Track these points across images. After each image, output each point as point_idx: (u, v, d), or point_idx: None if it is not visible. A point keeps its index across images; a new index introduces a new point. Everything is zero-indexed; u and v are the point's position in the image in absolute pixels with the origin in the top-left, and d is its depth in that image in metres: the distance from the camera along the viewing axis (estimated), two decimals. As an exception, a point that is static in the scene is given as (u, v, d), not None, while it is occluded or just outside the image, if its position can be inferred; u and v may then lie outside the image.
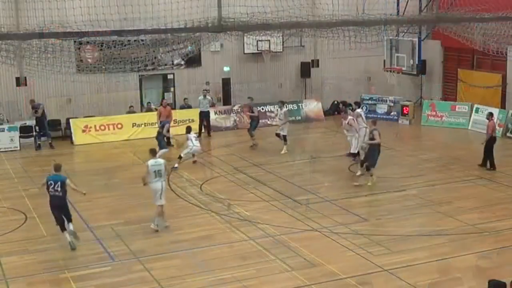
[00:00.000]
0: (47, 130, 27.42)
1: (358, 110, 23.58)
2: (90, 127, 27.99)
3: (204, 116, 28.71)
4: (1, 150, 26.28)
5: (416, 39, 30.25)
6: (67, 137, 28.27)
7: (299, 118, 31.60)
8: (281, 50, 32.42)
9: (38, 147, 26.90)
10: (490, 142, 22.28)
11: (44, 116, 27.51)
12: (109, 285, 13.61)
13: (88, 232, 16.80)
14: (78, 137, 27.63)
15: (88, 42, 28.88)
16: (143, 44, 30.02)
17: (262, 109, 31.13)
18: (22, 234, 16.86)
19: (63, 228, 15.55)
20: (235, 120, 30.40)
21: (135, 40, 29.69)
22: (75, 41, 28.62)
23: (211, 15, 30.42)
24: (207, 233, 16.50)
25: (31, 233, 16.89)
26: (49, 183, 15.43)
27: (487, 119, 22.96)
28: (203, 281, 13.63)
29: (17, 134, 26.93)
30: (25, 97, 28.64)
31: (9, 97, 28.68)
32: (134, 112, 29.61)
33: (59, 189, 15.34)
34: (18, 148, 26.60)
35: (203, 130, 28.92)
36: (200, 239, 16.11)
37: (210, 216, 17.90)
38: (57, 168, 15.81)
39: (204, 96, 28.73)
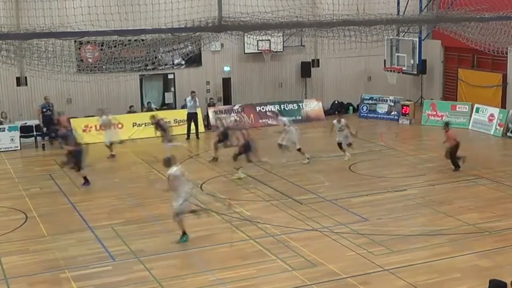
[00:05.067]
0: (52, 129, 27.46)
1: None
2: (91, 127, 27.98)
3: (191, 118, 28.63)
4: (2, 150, 26.29)
5: (416, 39, 30.27)
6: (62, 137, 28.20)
7: (300, 117, 31.58)
8: (282, 50, 32.45)
9: (43, 147, 26.89)
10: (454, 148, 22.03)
11: (53, 115, 27.58)
12: (110, 285, 13.62)
13: (88, 232, 16.82)
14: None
15: (88, 42, 28.96)
16: (143, 44, 30.07)
17: (263, 109, 31.19)
18: (23, 233, 16.87)
19: None
20: (235, 120, 30.35)
21: (135, 40, 29.73)
22: (75, 41, 28.67)
23: (211, 14, 30.52)
24: (207, 233, 16.49)
25: (31, 233, 16.90)
26: None
27: (445, 129, 22.40)
28: (203, 280, 13.62)
29: (17, 134, 26.95)
30: (25, 97, 28.70)
31: (9, 97, 28.70)
32: (134, 112, 29.63)
33: None
34: (19, 148, 26.61)
35: (193, 131, 28.84)
36: (201, 238, 16.09)
37: (209, 216, 17.86)
38: None
39: (192, 97, 28.71)
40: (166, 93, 31.69)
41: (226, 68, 32.21)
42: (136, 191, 20.55)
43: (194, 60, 31.07)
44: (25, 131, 27.42)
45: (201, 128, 29.26)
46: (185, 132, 28.44)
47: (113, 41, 28.72)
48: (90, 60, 28.70)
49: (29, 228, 17.28)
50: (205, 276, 13.83)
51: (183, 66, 31.49)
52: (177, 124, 28.75)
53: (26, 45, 28.13)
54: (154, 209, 18.63)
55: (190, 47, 30.57)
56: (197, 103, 28.81)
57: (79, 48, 28.55)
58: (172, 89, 31.62)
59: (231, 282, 13.50)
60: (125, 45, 29.33)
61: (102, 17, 26.96)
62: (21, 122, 27.80)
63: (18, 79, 28.63)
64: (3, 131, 26.61)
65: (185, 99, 29.34)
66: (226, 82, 32.41)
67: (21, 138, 27.01)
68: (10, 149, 26.42)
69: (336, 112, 31.29)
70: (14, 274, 14.20)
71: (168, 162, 15.98)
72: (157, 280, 13.68)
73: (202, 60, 31.64)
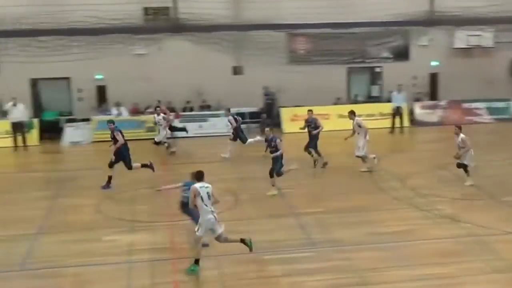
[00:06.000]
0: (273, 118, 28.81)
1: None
2: (299, 116, 28.87)
3: (397, 112, 28.61)
4: (217, 134, 27.97)
5: None
6: (277, 125, 29.45)
7: (508, 116, 30.49)
8: (493, 46, 31.44)
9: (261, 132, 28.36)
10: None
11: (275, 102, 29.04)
12: (309, 271, 13.91)
13: (291, 218, 17.43)
14: (287, 125, 28.69)
15: (301, 34, 30.03)
16: (354, 37, 30.58)
17: (469, 105, 30.56)
18: (232, 214, 17.75)
19: None
20: (441, 116, 30.00)
21: (346, 33, 30.36)
22: (288, 33, 29.84)
23: (422, 8, 30.39)
24: (407, 228, 16.45)
25: (240, 214, 17.86)
26: (184, 188, 15.13)
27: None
28: (400, 275, 13.63)
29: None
30: (240, 86, 30.20)
31: (226, 85, 30.35)
32: (341, 103, 30.20)
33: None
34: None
35: (397, 125, 28.88)
36: (400, 233, 16.11)
37: (411, 211, 17.88)
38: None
39: (399, 91, 28.66)
40: (372, 86, 31.93)
41: (434, 63, 31.81)
42: (340, 180, 21.04)
43: (401, 54, 31.07)
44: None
45: (406, 122, 29.23)
46: (389, 125, 28.59)
47: (325, 33, 29.59)
48: (301, 51, 29.69)
49: (239, 210, 18.30)
50: (404, 271, 13.82)
51: (390, 60, 31.55)
52: (382, 117, 28.95)
53: (244, 36, 29.76)
54: (357, 200, 18.93)
55: (399, 41, 30.67)
56: (404, 97, 28.82)
57: (292, 40, 29.64)
58: (379, 82, 31.80)
59: (429, 279, 13.41)
60: (336, 38, 30.10)
61: (315, 11, 27.86)
62: (236, 110, 29.40)
63: (234, 68, 30.24)
64: (218, 117, 28.39)
65: (391, 93, 29.45)
66: (433, 77, 32.02)
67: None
68: (225, 134, 28.04)
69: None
70: (223, 252, 14.94)
71: (196, 176, 14.14)
72: (355, 270, 13.85)
73: (409, 54, 31.49)
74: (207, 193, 13.79)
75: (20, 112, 28.52)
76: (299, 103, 30.05)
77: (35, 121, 29.60)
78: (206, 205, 13.78)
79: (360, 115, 28.63)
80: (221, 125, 28.48)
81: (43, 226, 17.30)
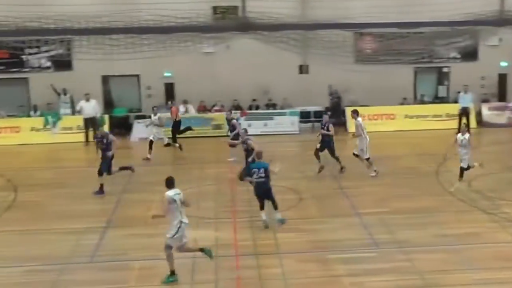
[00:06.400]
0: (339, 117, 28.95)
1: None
2: (364, 116, 28.76)
3: (463, 113, 28.21)
4: (282, 133, 28.11)
5: None
6: (342, 124, 29.39)
7: None
8: None
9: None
10: None
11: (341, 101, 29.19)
12: (372, 271, 13.91)
13: (355, 218, 17.46)
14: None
15: (368, 33, 29.95)
16: (421, 36, 30.34)
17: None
18: (297, 213, 17.96)
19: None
20: (509, 118, 29.47)
21: (414, 33, 30.12)
22: (355, 32, 29.79)
23: (492, 8, 29.88)
24: (472, 231, 16.25)
25: (303, 213, 17.99)
26: (253, 170, 16.53)
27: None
28: (465, 278, 13.52)
29: (297, 119, 28.75)
30: (306, 84, 30.29)
31: (291, 84, 30.49)
32: (408, 104, 30.01)
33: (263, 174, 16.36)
34: (298, 132, 28.26)
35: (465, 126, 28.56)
36: (465, 235, 15.94)
37: (477, 214, 17.65)
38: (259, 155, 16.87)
39: (466, 92, 28.27)
40: (439, 87, 31.59)
41: (503, 64, 31.23)
42: (405, 182, 20.87)
43: (470, 54, 30.65)
44: (304, 116, 29.14)
45: (473, 123, 28.81)
46: (456, 126, 28.22)
47: (392, 33, 29.41)
48: (368, 51, 29.60)
49: (302, 208, 18.42)
50: (467, 274, 13.70)
51: (458, 60, 31.15)
52: (449, 118, 28.65)
53: (310, 35, 29.89)
54: (422, 201, 18.79)
55: (467, 40, 30.26)
56: (471, 98, 28.45)
57: (359, 39, 29.59)
58: (446, 82, 31.44)
59: (493, 284, 13.27)
60: (404, 38, 29.89)
61: (382, 10, 27.70)
62: (301, 108, 29.53)
63: (300, 67, 30.38)
64: (284, 115, 28.60)
65: (459, 93, 29.10)
66: (502, 78, 31.44)
67: (300, 123, 28.78)
68: (290, 132, 28.23)
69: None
70: (286, 250, 15.16)
71: (168, 182, 13.66)
72: (419, 272, 13.77)
73: (478, 55, 31.00)
74: (180, 199, 13.52)
75: (92, 108, 29.35)
76: (365, 103, 29.95)
77: (106, 117, 30.30)
78: (180, 213, 13.49)
79: (426, 116, 28.63)
80: (287, 123, 28.67)
81: (111, 220, 17.81)
